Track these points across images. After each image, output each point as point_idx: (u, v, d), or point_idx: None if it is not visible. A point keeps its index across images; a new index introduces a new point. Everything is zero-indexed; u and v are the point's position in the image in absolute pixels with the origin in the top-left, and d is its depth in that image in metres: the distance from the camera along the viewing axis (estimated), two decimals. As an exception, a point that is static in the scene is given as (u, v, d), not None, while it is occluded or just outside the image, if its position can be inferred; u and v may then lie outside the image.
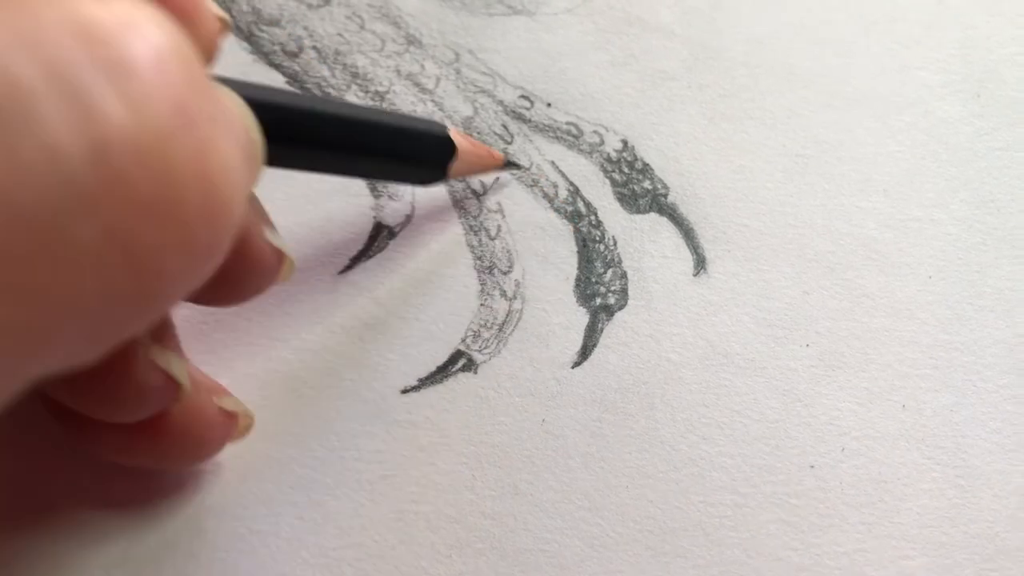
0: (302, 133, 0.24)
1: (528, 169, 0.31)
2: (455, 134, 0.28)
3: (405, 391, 0.28)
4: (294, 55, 0.32)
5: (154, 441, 0.24)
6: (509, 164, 0.31)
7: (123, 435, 0.24)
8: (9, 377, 0.14)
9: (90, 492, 0.26)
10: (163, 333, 0.23)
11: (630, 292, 0.30)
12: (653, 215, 0.31)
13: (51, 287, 0.14)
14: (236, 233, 0.18)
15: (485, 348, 0.29)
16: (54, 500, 0.26)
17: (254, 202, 0.23)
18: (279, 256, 0.24)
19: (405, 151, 0.27)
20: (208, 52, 0.21)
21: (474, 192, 0.31)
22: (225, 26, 0.23)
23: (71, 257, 0.14)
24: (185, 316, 0.28)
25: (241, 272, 0.23)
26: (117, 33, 0.14)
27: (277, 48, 0.32)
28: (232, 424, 0.26)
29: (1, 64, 0.13)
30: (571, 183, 0.31)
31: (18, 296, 0.13)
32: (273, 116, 0.21)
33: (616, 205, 0.31)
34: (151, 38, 0.15)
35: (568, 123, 0.32)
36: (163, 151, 0.14)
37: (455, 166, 0.28)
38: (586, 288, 0.30)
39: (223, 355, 0.28)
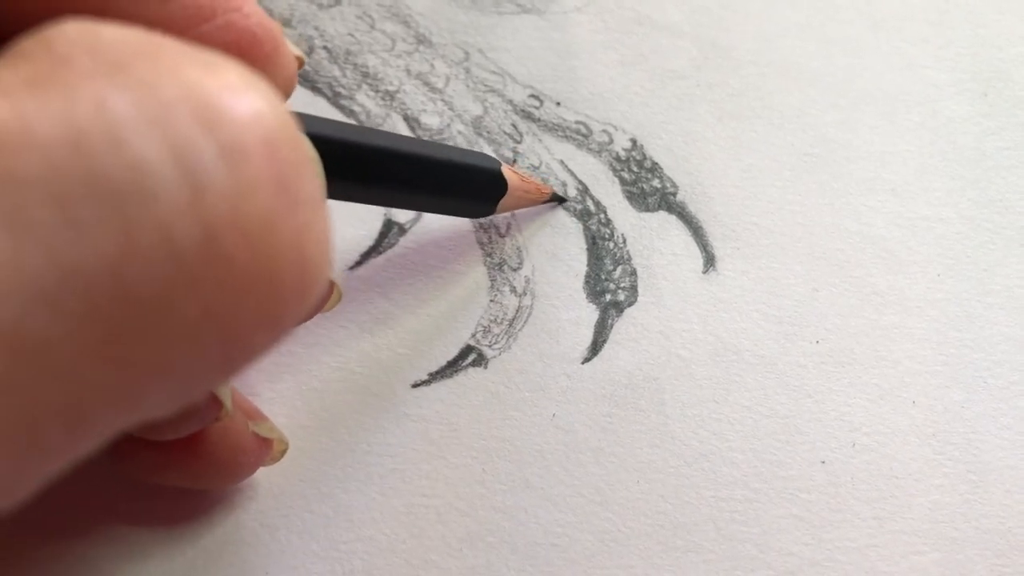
0: (358, 168, 0.24)
1: (569, 201, 0.31)
2: (506, 170, 0.29)
3: (415, 385, 0.28)
4: (305, 55, 0.32)
5: (189, 462, 0.24)
6: (555, 198, 0.31)
7: (158, 455, 0.24)
8: (99, 433, 0.14)
9: (103, 502, 0.26)
10: None
11: (640, 289, 0.30)
12: (662, 213, 0.31)
13: (148, 359, 0.14)
14: None
15: (495, 343, 0.29)
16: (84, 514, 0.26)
17: None
18: (331, 286, 0.25)
19: (458, 187, 0.28)
20: (287, 91, 0.21)
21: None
22: (301, 64, 0.23)
23: (170, 332, 0.14)
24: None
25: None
26: (234, 115, 0.14)
27: (288, 47, 0.32)
28: (266, 449, 0.26)
29: (128, 144, 0.13)
30: (580, 182, 0.31)
31: (117, 365, 0.13)
32: (330, 150, 0.21)
33: (625, 203, 0.31)
34: (265, 119, 0.15)
35: (577, 122, 0.32)
36: (267, 234, 0.14)
37: (504, 201, 0.29)
38: (596, 285, 0.30)
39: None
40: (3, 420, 0.13)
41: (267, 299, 0.15)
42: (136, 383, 0.14)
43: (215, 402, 0.23)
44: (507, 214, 0.30)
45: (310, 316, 0.25)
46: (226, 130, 0.14)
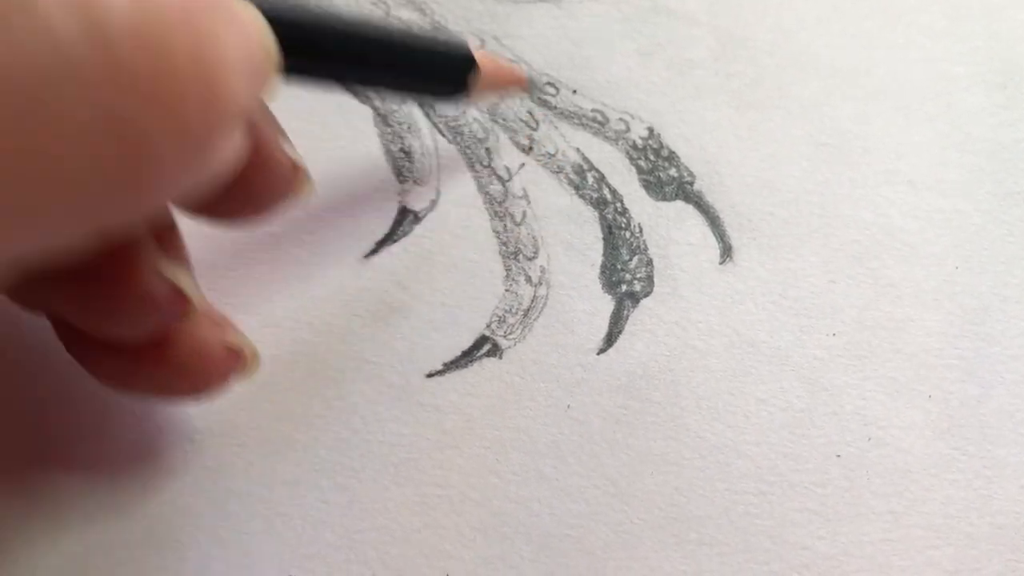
0: (320, 47, 0.24)
1: (557, 94, 0.31)
2: (479, 52, 0.28)
3: (430, 375, 0.28)
4: None
5: (154, 369, 0.24)
6: (532, 87, 0.31)
7: (123, 361, 0.23)
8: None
9: (121, 471, 0.26)
10: (170, 244, 0.23)
11: (656, 279, 0.29)
12: (679, 203, 0.31)
13: (37, 156, 0.14)
14: (246, 140, 0.19)
15: (510, 333, 0.28)
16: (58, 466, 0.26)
17: (267, 113, 0.23)
18: (294, 168, 0.24)
19: (425, 66, 0.27)
20: None
21: (499, 178, 0.31)
22: None
23: (61, 131, 0.14)
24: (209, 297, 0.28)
25: (253, 180, 0.23)
26: None
27: (302, 32, 0.32)
28: (236, 361, 0.25)
29: None
30: (597, 170, 0.31)
31: (4, 163, 0.14)
32: (293, 29, 0.21)
33: (642, 192, 0.31)
34: None
35: (594, 110, 0.32)
36: (162, 38, 0.15)
37: (478, 83, 0.28)
38: (612, 275, 0.29)
39: (248, 336, 0.28)
40: None
41: (165, 105, 0.15)
42: (29, 186, 0.14)
43: (179, 297, 0.22)
44: (523, 201, 0.30)
45: (276, 202, 0.24)
46: None
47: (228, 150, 0.18)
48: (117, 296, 0.21)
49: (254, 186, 0.23)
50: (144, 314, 0.22)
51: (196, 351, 0.24)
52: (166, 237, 0.23)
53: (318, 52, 0.24)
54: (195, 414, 0.27)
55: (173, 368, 0.24)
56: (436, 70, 0.28)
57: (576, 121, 0.32)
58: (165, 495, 0.26)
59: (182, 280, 0.22)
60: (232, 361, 0.25)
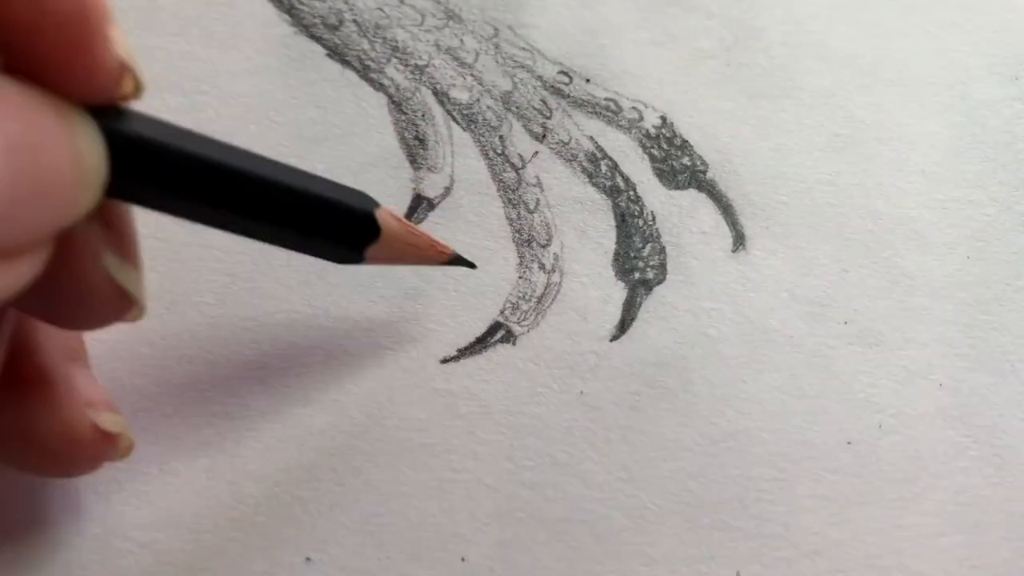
0: (170, 177, 0.20)
1: (570, 83, 0.31)
2: (386, 215, 0.24)
3: (445, 361, 0.28)
4: (334, 28, 0.32)
5: (16, 446, 0.23)
6: (459, 261, 0.27)
7: None
8: None
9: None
10: (121, 243, 0.21)
11: (669, 267, 0.30)
12: (692, 191, 0.31)
13: None
14: (67, 252, 0.19)
15: (523, 320, 0.29)
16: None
17: (95, 229, 0.20)
18: (120, 295, 0.21)
19: (313, 224, 0.23)
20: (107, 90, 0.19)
21: (513, 165, 0.31)
22: (134, 84, 0.20)
23: None
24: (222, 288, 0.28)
25: (72, 295, 0.21)
26: None
27: (318, 21, 0.32)
28: (108, 444, 0.24)
29: None
30: (610, 158, 0.31)
31: None
32: (147, 154, 0.19)
33: (655, 181, 0.31)
34: None
35: (607, 99, 0.32)
36: None
37: (376, 250, 0.24)
38: (625, 262, 0.30)
39: (265, 322, 0.28)
40: None
41: None
42: None
43: (122, 297, 0.21)
44: (537, 189, 0.30)
45: (102, 322, 0.22)
46: None
47: (26, 266, 0.17)
48: (57, 284, 0.20)
49: (70, 299, 0.21)
50: (84, 306, 0.21)
51: (62, 433, 0.23)
52: (118, 236, 0.21)
53: (167, 181, 0.20)
54: (212, 399, 0.27)
55: (36, 448, 0.23)
56: (325, 233, 0.23)
57: (589, 110, 0.32)
58: (181, 477, 0.26)
59: (123, 277, 0.21)
60: (103, 445, 0.24)
